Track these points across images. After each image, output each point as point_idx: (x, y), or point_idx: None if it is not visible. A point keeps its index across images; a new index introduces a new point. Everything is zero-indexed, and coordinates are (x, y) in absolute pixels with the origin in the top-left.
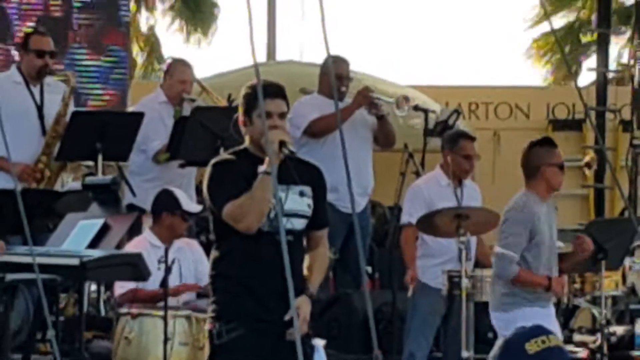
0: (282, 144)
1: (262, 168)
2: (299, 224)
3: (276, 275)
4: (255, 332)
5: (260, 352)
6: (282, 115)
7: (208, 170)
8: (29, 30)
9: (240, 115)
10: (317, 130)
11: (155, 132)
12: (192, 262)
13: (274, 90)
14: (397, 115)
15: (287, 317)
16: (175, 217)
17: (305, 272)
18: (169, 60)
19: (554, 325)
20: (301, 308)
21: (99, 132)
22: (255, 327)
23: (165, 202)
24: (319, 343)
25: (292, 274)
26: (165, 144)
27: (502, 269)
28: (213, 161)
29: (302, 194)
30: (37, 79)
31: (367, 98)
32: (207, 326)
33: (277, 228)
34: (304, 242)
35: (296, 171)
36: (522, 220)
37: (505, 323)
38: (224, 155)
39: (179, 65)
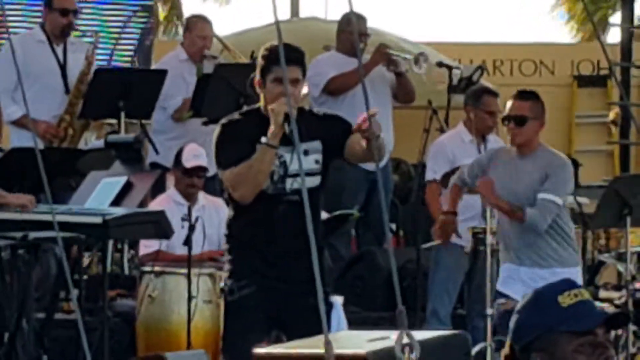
0: (287, 116)
1: (264, 139)
2: (306, 182)
3: (285, 235)
4: (266, 290)
5: (271, 309)
6: (295, 82)
7: (216, 130)
8: None
9: (256, 75)
10: (335, 87)
11: (176, 90)
12: (217, 221)
13: (290, 56)
14: (414, 72)
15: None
16: (177, 172)
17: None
18: (188, 17)
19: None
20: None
21: (122, 90)
22: (266, 285)
23: (175, 157)
24: (338, 300)
25: (301, 234)
26: (187, 101)
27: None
28: (222, 121)
29: (306, 152)
30: (61, 37)
31: (385, 55)
32: (221, 283)
33: (281, 190)
34: (320, 199)
35: (305, 126)
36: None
37: None
38: (233, 115)
39: (199, 21)
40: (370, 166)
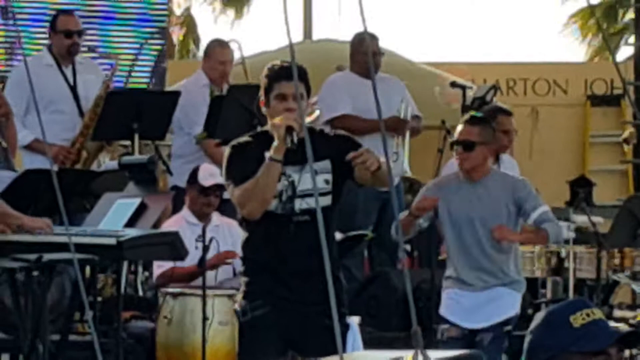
0: (289, 129)
1: (267, 154)
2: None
3: (295, 256)
4: (280, 310)
5: (284, 329)
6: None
7: (226, 151)
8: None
9: (261, 96)
10: (343, 128)
11: (200, 116)
12: (231, 241)
13: (290, 73)
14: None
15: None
16: (193, 191)
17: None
18: (208, 43)
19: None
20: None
21: (135, 112)
22: (280, 306)
23: (189, 177)
24: (354, 320)
25: (315, 253)
26: None
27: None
28: (232, 143)
29: (315, 172)
30: (68, 58)
31: (401, 131)
32: (235, 305)
33: (289, 210)
34: (331, 218)
35: (314, 146)
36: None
37: None
38: (242, 137)
39: (217, 47)
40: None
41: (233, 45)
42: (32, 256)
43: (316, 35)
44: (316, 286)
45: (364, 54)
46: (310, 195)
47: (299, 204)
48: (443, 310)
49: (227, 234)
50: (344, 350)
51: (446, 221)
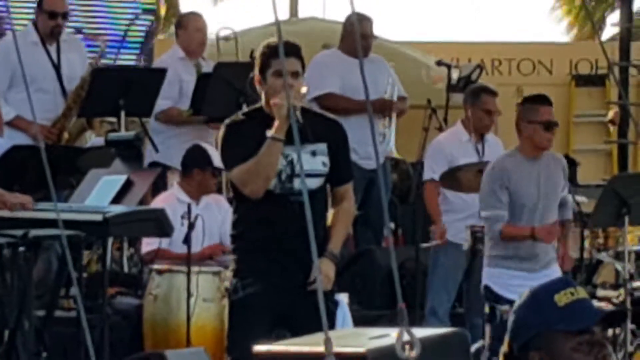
0: (292, 108)
1: (269, 132)
2: (313, 183)
3: (291, 235)
4: (271, 289)
5: (276, 308)
6: (296, 75)
7: (221, 131)
8: None
9: (255, 74)
10: (330, 106)
11: (171, 89)
12: (219, 219)
13: (288, 50)
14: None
15: (311, 278)
16: (206, 173)
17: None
18: (179, 15)
19: None
20: (323, 269)
21: (122, 88)
22: (271, 284)
23: (197, 158)
24: (343, 298)
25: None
26: (174, 110)
27: (490, 231)
28: (226, 122)
29: (314, 153)
30: (52, 38)
31: (387, 111)
32: (226, 283)
33: (288, 190)
34: (325, 200)
35: (311, 128)
36: (492, 179)
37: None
38: (236, 115)
39: (191, 16)
40: (368, 164)
41: (225, 32)
42: (19, 232)
43: (302, 13)
44: (308, 265)
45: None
46: (307, 175)
47: (298, 184)
48: (502, 290)
49: (216, 210)
50: (334, 327)
51: (514, 202)
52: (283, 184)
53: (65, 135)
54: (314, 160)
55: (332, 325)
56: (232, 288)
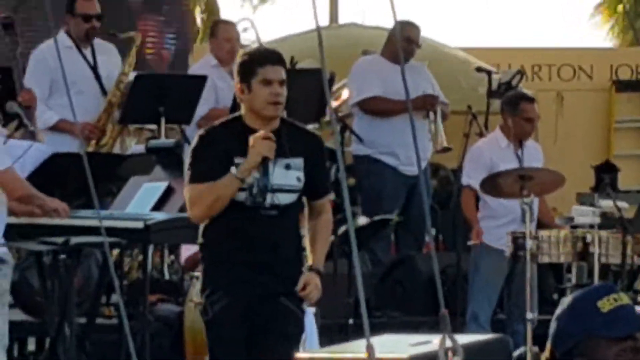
0: (264, 159)
1: (233, 170)
2: (285, 198)
3: (262, 249)
4: (238, 301)
5: (247, 317)
6: (282, 83)
7: (193, 141)
8: None
9: (236, 83)
10: (372, 109)
11: (206, 96)
12: None
13: (275, 57)
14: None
15: (298, 288)
16: None
17: (307, 244)
18: (212, 23)
19: None
20: (309, 284)
21: (162, 96)
22: (238, 296)
23: None
24: (310, 309)
25: (280, 248)
26: (214, 110)
27: None
28: (199, 132)
29: (288, 167)
30: (87, 41)
31: (431, 106)
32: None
33: (259, 203)
34: (301, 214)
35: (289, 141)
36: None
37: None
38: (214, 123)
39: (221, 24)
40: (409, 171)
41: (245, 24)
42: (60, 239)
43: (342, 19)
44: (277, 275)
45: (403, 42)
46: (280, 190)
47: (270, 198)
48: None
49: None
50: (303, 330)
51: None
52: (254, 198)
53: (110, 126)
54: (287, 175)
55: (302, 329)
56: (201, 309)
